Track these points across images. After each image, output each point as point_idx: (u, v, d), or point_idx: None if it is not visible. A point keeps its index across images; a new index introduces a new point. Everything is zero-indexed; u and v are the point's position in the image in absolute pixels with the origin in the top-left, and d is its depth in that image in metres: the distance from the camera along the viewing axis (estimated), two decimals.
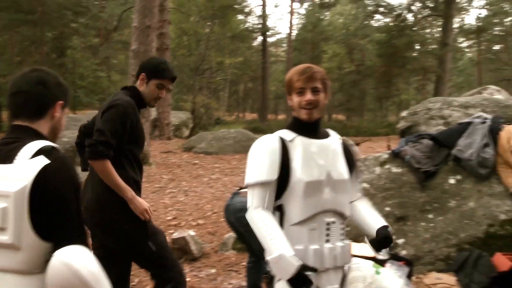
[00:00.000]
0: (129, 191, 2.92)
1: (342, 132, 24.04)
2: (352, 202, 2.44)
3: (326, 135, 2.32)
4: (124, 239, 3.03)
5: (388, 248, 2.37)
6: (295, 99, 2.22)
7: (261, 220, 2.09)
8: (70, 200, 1.62)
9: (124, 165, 2.98)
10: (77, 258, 1.52)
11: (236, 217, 3.91)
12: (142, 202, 2.97)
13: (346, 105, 38.99)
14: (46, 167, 1.58)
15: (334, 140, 2.33)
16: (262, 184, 2.14)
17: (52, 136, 1.81)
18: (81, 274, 1.49)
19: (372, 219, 2.41)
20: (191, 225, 6.75)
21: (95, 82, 28.95)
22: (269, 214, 2.13)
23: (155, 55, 12.50)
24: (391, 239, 2.34)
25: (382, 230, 2.33)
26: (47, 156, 1.61)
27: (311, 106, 2.19)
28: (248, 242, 3.96)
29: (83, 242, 1.62)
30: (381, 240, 2.32)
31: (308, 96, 2.18)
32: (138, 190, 3.06)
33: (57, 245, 1.56)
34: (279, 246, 2.02)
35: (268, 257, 2.05)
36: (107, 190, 2.91)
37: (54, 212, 1.58)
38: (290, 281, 1.99)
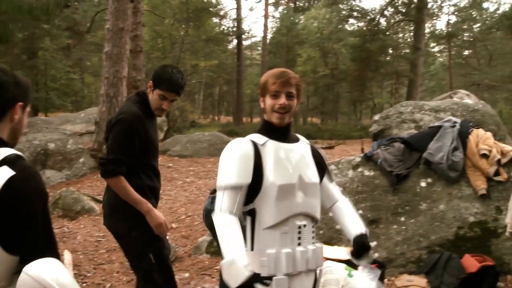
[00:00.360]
0: (145, 204, 2.91)
1: (316, 135, 24.20)
2: (333, 204, 2.49)
3: (295, 140, 2.34)
4: (128, 245, 3.03)
5: (367, 254, 2.39)
6: (268, 102, 2.22)
7: (224, 224, 2.08)
8: (37, 212, 1.53)
9: (139, 174, 2.97)
10: (47, 272, 1.45)
11: None
12: (158, 216, 2.94)
13: (320, 109, 39.16)
14: (11, 178, 1.49)
15: (303, 145, 2.35)
16: (233, 188, 2.12)
17: (12, 139, 1.69)
18: None
19: (350, 224, 2.43)
20: None
21: (68, 84, 28.51)
22: (235, 220, 2.10)
23: (128, 57, 12.39)
24: (368, 246, 2.36)
25: (358, 239, 2.35)
26: (12, 167, 1.51)
27: (284, 111, 2.20)
28: None
29: (53, 254, 1.55)
30: (358, 250, 2.35)
31: (283, 100, 2.18)
32: (154, 196, 3.07)
33: (25, 259, 1.49)
34: (234, 252, 2.01)
35: (222, 261, 2.03)
36: (115, 195, 2.92)
37: (21, 225, 1.51)
38: None
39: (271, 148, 2.19)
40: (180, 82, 3.01)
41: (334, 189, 2.52)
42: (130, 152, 2.88)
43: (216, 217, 2.12)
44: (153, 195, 3.05)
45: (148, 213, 2.91)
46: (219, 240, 2.08)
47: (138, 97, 3.09)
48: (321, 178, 2.39)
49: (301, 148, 2.31)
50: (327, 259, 3.95)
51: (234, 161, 2.15)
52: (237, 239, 2.05)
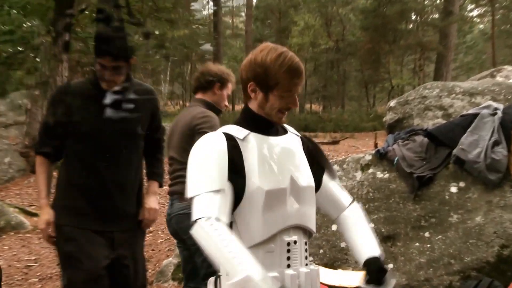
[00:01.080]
0: (40, 199, 3.01)
1: (316, 126, 24.26)
2: (340, 213, 2.49)
3: (282, 131, 2.33)
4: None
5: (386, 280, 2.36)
6: (275, 101, 2.20)
7: (217, 234, 1.97)
8: None
9: (64, 165, 3.08)
10: None
11: (180, 227, 3.91)
12: (40, 219, 3.01)
13: (322, 92, 39.30)
14: None
15: (293, 137, 2.34)
16: (216, 192, 2.06)
17: None
18: None
19: (361, 243, 2.42)
20: None
21: None
22: (226, 227, 2.02)
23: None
24: (385, 269, 2.34)
25: (372, 262, 2.33)
26: None
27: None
28: (196, 260, 3.95)
29: None
30: (376, 275, 2.32)
31: (296, 101, 2.23)
32: (86, 197, 3.03)
33: None
34: (246, 266, 1.92)
35: (231, 280, 1.91)
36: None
37: None
38: None
39: (254, 143, 2.17)
40: (113, 42, 2.86)
41: (339, 192, 2.52)
42: (53, 132, 2.99)
43: (200, 228, 2.00)
44: (81, 195, 3.01)
45: (40, 210, 3.04)
46: (214, 255, 1.98)
47: None
48: (319, 178, 2.39)
49: (291, 142, 2.31)
50: (329, 286, 3.94)
51: (208, 163, 2.11)
52: (240, 248, 1.96)
